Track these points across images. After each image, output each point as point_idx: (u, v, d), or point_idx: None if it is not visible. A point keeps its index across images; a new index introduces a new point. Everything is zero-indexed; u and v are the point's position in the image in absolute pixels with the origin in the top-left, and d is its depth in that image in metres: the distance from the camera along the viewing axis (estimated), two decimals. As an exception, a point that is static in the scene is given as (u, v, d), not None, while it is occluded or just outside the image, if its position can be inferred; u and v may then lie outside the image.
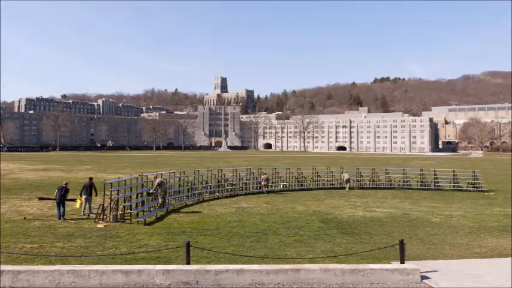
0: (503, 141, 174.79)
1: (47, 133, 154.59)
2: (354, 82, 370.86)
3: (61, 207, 18.25)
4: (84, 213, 19.28)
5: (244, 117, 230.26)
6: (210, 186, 27.25)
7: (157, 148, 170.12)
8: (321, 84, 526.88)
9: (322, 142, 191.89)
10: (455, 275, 10.71)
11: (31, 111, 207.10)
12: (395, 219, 19.43)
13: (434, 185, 32.83)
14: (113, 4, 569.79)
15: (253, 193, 28.65)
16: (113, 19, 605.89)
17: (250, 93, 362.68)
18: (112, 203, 18.26)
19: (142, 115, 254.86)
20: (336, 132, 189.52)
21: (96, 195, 20.07)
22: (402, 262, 10.70)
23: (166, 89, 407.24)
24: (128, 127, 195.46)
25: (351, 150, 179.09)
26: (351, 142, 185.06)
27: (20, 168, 52.01)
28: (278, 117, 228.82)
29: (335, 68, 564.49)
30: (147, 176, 23.33)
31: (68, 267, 9.58)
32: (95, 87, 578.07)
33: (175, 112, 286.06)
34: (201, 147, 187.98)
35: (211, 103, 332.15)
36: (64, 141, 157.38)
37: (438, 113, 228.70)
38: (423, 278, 10.19)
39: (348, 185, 31.86)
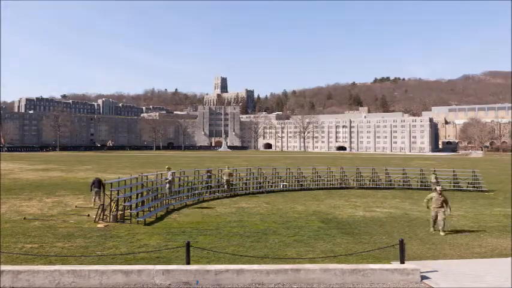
0: (503, 141, 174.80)
1: (47, 133, 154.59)
2: (354, 82, 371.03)
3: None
4: (94, 205, 21.28)
5: (244, 117, 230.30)
6: (210, 186, 27.25)
7: (157, 148, 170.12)
8: (321, 84, 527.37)
9: (322, 142, 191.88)
10: (455, 275, 10.71)
11: (31, 111, 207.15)
12: (395, 219, 19.43)
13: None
14: (113, 4, 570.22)
15: (253, 193, 28.65)
16: (113, 19, 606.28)
17: (250, 93, 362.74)
18: (112, 203, 18.27)
19: (142, 115, 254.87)
20: (336, 132, 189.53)
21: (103, 191, 21.78)
22: (402, 262, 10.70)
23: (166, 89, 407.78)
24: (128, 127, 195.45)
25: (351, 150, 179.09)
26: (351, 142, 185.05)
27: (20, 168, 52.01)
28: (278, 117, 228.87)
29: (335, 68, 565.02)
30: (147, 176, 23.31)
31: (68, 267, 9.58)
32: (95, 87, 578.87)
33: (175, 112, 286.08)
34: (201, 147, 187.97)
35: (211, 103, 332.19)
36: (64, 141, 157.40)
37: (438, 113, 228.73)
38: (423, 278, 10.19)
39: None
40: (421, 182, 33.46)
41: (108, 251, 12.97)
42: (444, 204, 16.79)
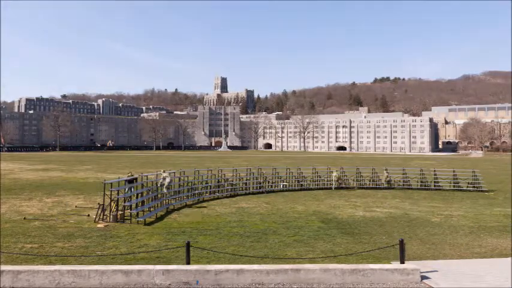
0: (503, 141, 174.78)
1: (47, 133, 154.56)
2: (354, 82, 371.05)
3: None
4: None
5: (244, 117, 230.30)
6: (210, 186, 27.25)
7: (157, 148, 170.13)
8: (321, 84, 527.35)
9: (322, 142, 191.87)
10: (455, 275, 10.71)
11: (31, 111, 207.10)
12: (395, 219, 19.43)
13: (434, 185, 32.83)
14: (113, 4, 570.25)
15: (253, 193, 28.65)
16: (113, 19, 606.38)
17: (250, 93, 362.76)
18: (112, 203, 18.27)
19: (142, 115, 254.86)
20: (336, 132, 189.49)
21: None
22: (402, 262, 10.70)
23: (166, 89, 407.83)
24: (128, 127, 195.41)
25: (351, 150, 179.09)
26: (351, 142, 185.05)
27: (20, 168, 52.01)
28: (278, 117, 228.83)
29: (335, 68, 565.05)
30: (147, 176, 23.31)
31: (68, 267, 9.58)
32: (95, 87, 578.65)
33: (175, 112, 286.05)
34: (201, 147, 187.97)
35: (211, 103, 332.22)
36: (64, 141, 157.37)
37: (438, 113, 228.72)
38: (423, 278, 10.19)
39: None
40: (421, 182, 33.46)
41: (108, 251, 12.97)
42: None
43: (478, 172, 34.30)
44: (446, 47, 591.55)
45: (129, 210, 18.63)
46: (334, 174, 32.87)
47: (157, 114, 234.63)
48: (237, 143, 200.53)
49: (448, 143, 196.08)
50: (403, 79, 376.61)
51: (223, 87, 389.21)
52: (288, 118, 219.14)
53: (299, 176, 33.24)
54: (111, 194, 18.47)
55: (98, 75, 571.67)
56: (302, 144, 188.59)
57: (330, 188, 32.00)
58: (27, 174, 42.80)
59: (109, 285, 9.30)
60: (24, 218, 18.18)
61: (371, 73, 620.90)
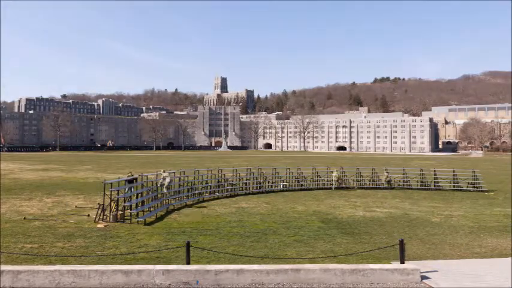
0: (503, 141, 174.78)
1: (47, 133, 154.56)
2: (354, 82, 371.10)
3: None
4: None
5: (244, 117, 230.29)
6: (210, 186, 27.25)
7: (157, 148, 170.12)
8: (321, 84, 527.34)
9: (322, 142, 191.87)
10: (455, 275, 10.71)
11: (31, 111, 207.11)
12: (395, 219, 19.43)
13: (434, 185, 32.83)
14: (113, 4, 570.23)
15: (253, 193, 28.65)
16: (113, 19, 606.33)
17: (250, 93, 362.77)
18: (112, 203, 18.27)
19: (142, 115, 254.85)
20: (336, 132, 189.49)
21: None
22: (402, 262, 10.70)
23: (166, 89, 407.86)
24: (128, 127, 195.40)
25: (351, 150, 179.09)
26: (351, 142, 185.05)
27: (20, 168, 52.02)
28: (278, 117, 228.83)
29: (335, 68, 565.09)
30: (147, 176, 23.30)
31: (68, 267, 9.58)
32: (95, 87, 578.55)
33: (175, 112, 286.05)
34: (201, 147, 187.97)
35: (211, 103, 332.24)
36: (64, 141, 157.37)
37: (438, 113, 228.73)
38: (423, 278, 10.19)
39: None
40: (421, 182, 33.45)
41: (108, 251, 12.97)
42: None
43: (478, 172, 34.31)
44: (446, 47, 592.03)
45: (129, 210, 18.63)
46: (334, 174, 32.88)
47: (157, 114, 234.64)
48: (237, 143, 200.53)
49: (448, 143, 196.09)
50: (403, 79, 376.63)
51: (223, 87, 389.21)
52: (288, 118, 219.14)
53: (299, 176, 33.24)
54: (111, 194, 18.47)
55: (98, 75, 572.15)
56: (302, 144, 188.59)
57: (330, 188, 32.00)
58: (27, 174, 42.80)
59: (109, 285, 9.30)
60: (24, 218, 18.18)
61: (371, 73, 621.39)
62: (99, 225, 16.82)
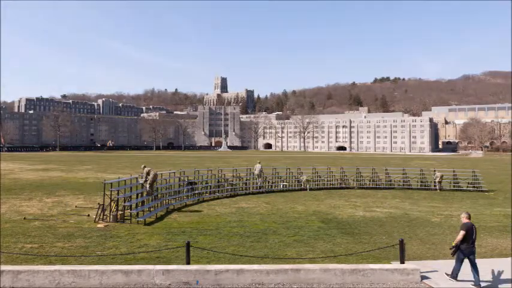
0: (503, 141, 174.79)
1: (47, 133, 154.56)
2: (354, 82, 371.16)
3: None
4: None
5: (244, 117, 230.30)
6: (210, 186, 27.25)
7: (157, 148, 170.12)
8: (321, 84, 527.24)
9: (322, 142, 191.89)
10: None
11: (31, 111, 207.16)
12: (395, 219, 19.43)
13: (434, 185, 32.82)
14: (113, 4, 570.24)
15: (253, 193, 28.65)
16: (113, 19, 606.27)
17: (250, 93, 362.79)
18: (112, 203, 18.26)
19: (142, 115, 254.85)
20: (336, 132, 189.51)
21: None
22: (402, 262, 10.70)
23: (166, 89, 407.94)
24: (128, 127, 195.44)
25: (351, 150, 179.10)
26: (351, 142, 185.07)
27: (20, 168, 52.02)
28: (278, 117, 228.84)
29: (335, 68, 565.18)
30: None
31: (68, 267, 9.58)
32: (95, 87, 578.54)
33: (175, 112, 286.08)
34: (201, 147, 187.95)
35: (211, 103, 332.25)
36: (64, 141, 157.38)
37: (438, 113, 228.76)
38: (423, 278, 10.20)
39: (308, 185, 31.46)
40: (421, 182, 33.46)
41: (108, 251, 12.97)
42: None
43: (478, 172, 34.31)
44: (446, 47, 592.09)
45: (129, 210, 18.63)
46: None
47: (157, 114, 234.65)
48: (237, 143, 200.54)
49: (448, 143, 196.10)
50: (403, 79, 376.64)
51: (223, 87, 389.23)
52: (288, 118, 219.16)
53: (299, 176, 33.23)
54: (111, 194, 18.47)
55: (98, 75, 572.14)
56: (302, 144, 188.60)
57: (331, 188, 32.01)
58: (27, 174, 42.80)
59: (109, 285, 9.30)
60: (24, 218, 18.18)
61: (371, 73, 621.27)
62: (99, 225, 16.82)
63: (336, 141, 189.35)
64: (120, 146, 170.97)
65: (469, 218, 10.68)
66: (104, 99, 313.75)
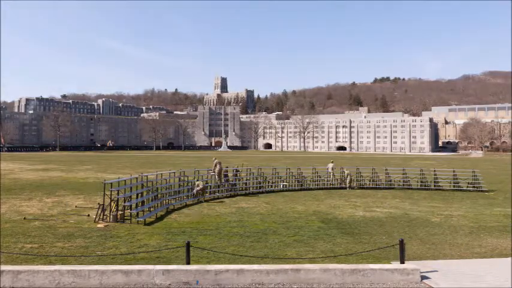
0: (503, 141, 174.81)
1: (47, 133, 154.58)
2: (354, 82, 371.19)
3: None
4: None
5: (244, 117, 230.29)
6: (210, 186, 27.25)
7: (157, 148, 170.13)
8: (321, 84, 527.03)
9: (322, 142, 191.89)
10: (455, 275, 10.71)
11: (31, 111, 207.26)
12: (395, 219, 19.43)
13: (434, 185, 32.83)
14: (113, 4, 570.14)
15: (253, 193, 28.66)
16: (113, 19, 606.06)
17: (250, 93, 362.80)
18: (112, 203, 18.26)
19: (142, 115, 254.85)
20: (336, 132, 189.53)
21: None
22: (402, 262, 10.70)
23: (166, 89, 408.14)
24: (128, 127, 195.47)
25: (351, 150, 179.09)
26: (351, 142, 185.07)
27: (20, 168, 52.01)
28: (278, 117, 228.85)
29: (335, 68, 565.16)
30: (147, 176, 23.28)
31: (68, 267, 9.58)
32: (95, 87, 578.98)
33: (175, 112, 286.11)
34: (201, 147, 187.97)
35: (211, 103, 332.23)
36: (64, 141, 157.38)
37: (438, 113, 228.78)
38: (423, 278, 10.19)
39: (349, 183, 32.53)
40: (421, 182, 33.45)
41: (108, 251, 12.97)
42: None
43: (478, 172, 34.30)
44: (446, 47, 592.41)
45: (129, 210, 18.63)
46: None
47: (157, 114, 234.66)
48: (237, 143, 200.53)
49: (448, 143, 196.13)
50: (403, 79, 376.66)
51: (223, 87, 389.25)
52: (288, 118, 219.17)
53: (299, 176, 33.24)
54: (111, 194, 18.46)
55: (98, 75, 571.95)
56: (302, 144, 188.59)
57: (331, 188, 32.05)
58: (27, 174, 42.80)
59: (109, 285, 9.30)
60: (24, 218, 18.18)
61: (371, 73, 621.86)
62: (99, 225, 16.82)
63: (336, 141, 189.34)
64: (120, 146, 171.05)
65: None
66: (104, 99, 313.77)
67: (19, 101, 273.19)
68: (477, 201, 26.15)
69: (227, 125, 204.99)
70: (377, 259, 12.15)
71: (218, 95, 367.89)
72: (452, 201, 26.44)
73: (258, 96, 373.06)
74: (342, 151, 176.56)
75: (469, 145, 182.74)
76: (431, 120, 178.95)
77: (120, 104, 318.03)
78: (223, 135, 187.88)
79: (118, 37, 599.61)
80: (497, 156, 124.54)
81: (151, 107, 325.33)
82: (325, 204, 24.18)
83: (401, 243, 10.78)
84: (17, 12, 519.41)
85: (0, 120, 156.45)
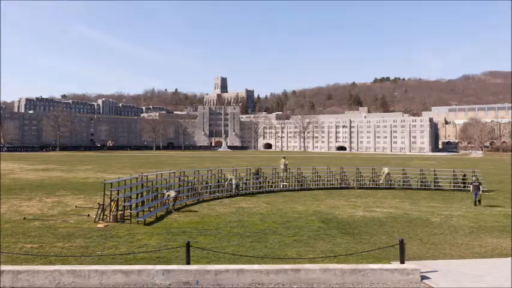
0: (503, 141, 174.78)
1: (47, 133, 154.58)
2: (354, 82, 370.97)
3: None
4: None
5: (244, 117, 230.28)
6: (210, 186, 27.26)
7: (157, 148, 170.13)
8: (321, 84, 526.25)
9: (322, 142, 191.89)
10: (455, 275, 10.72)
11: (31, 111, 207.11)
12: (395, 219, 19.43)
13: (434, 185, 32.83)
14: (113, 4, 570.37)
15: (253, 193, 28.66)
16: (113, 19, 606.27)
17: (250, 93, 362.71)
18: (112, 203, 18.26)
19: (142, 115, 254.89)
20: (336, 132, 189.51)
21: None
22: (402, 262, 10.70)
23: (166, 89, 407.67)
24: (128, 127, 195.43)
25: (351, 150, 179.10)
26: (351, 142, 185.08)
27: (20, 168, 52.02)
28: (278, 117, 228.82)
29: (335, 68, 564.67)
30: (147, 176, 23.29)
31: (68, 267, 9.58)
32: (95, 87, 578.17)
33: (175, 112, 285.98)
34: (201, 147, 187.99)
35: (211, 103, 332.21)
36: (64, 141, 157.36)
37: (438, 113, 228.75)
38: (423, 278, 10.19)
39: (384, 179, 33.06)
40: (421, 182, 33.45)
41: (108, 251, 12.97)
42: None
43: (478, 172, 34.30)
44: (446, 47, 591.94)
45: (129, 210, 18.63)
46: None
47: (157, 114, 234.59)
48: (237, 143, 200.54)
49: (448, 143, 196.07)
50: (403, 79, 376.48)
51: (223, 87, 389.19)
52: (288, 118, 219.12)
53: (299, 176, 33.24)
54: (111, 194, 18.47)
55: (98, 75, 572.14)
56: (302, 144, 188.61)
57: (331, 188, 32.02)
58: (27, 174, 42.81)
59: (109, 285, 9.30)
60: (24, 218, 18.19)
61: (371, 73, 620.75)
62: (99, 225, 16.83)
63: (336, 141, 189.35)
64: (120, 146, 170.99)
65: None
66: (104, 99, 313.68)
67: (19, 101, 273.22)
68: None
69: (227, 125, 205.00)
70: (377, 259, 12.16)
71: (218, 95, 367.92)
72: (452, 201, 26.44)
73: (258, 96, 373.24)
74: (342, 151, 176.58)
75: (469, 145, 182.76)
76: (431, 120, 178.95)
77: (120, 104, 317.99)
78: (223, 135, 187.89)
79: (118, 37, 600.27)
80: (497, 156, 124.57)
81: (151, 107, 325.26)
82: (325, 204, 24.18)
83: (401, 243, 10.78)
84: (17, 12, 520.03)
85: (0, 120, 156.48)
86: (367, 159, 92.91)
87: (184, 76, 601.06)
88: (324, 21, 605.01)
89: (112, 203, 18.28)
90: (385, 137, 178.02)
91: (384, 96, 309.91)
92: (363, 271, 9.92)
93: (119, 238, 14.71)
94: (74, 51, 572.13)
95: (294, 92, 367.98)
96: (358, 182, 33.61)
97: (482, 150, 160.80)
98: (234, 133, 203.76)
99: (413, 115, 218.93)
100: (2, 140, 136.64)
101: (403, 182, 33.74)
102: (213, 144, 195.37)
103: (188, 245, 10.49)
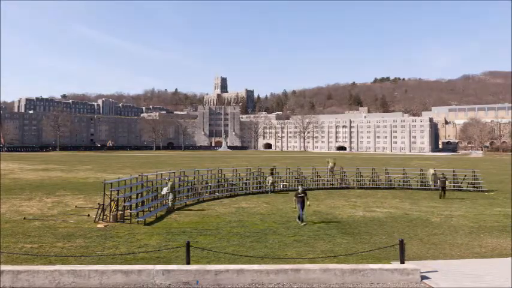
0: (503, 141, 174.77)
1: (47, 133, 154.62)
2: (354, 82, 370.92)
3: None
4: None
5: (244, 117, 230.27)
6: (210, 186, 27.26)
7: (157, 148, 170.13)
8: (321, 84, 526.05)
9: (322, 142, 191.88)
10: (455, 275, 10.71)
11: (31, 111, 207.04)
12: (395, 219, 19.43)
13: (434, 185, 32.81)
14: (113, 4, 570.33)
15: (253, 193, 28.66)
16: (114, 19, 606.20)
17: (250, 93, 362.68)
18: (112, 203, 18.26)
19: (142, 115, 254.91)
20: (336, 132, 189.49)
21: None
22: (402, 262, 10.70)
23: (166, 89, 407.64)
24: (128, 127, 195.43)
25: (351, 150, 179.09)
26: (351, 142, 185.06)
27: (20, 168, 52.02)
28: (278, 117, 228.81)
29: (335, 68, 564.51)
30: (147, 176, 23.29)
31: (68, 267, 9.58)
32: (95, 87, 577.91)
33: (175, 112, 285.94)
34: (201, 147, 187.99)
35: (211, 103, 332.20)
36: (64, 141, 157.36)
37: (438, 113, 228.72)
38: (423, 278, 10.19)
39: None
40: (421, 182, 33.45)
41: (108, 251, 12.97)
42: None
43: (478, 172, 34.31)
44: (446, 47, 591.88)
45: (129, 210, 18.63)
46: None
47: (157, 114, 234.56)
48: (237, 143, 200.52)
49: (448, 143, 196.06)
50: (403, 79, 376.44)
51: (223, 87, 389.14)
52: (288, 118, 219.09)
53: (299, 176, 33.23)
54: (111, 194, 18.47)
55: (97, 75, 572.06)
56: (302, 144, 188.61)
57: (331, 188, 32.01)
58: (27, 174, 42.81)
59: (109, 285, 9.30)
60: (24, 218, 18.19)
61: (371, 73, 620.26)
62: (99, 225, 16.83)
63: (336, 141, 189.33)
64: (120, 146, 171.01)
65: None
66: (104, 99, 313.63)
67: (19, 101, 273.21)
68: (477, 201, 26.16)
69: (227, 125, 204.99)
70: (377, 259, 12.15)
71: (218, 95, 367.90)
72: (452, 201, 26.44)
73: (258, 96, 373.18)
74: (342, 151, 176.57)
75: (469, 145, 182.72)
76: (431, 120, 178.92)
77: (120, 104, 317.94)
78: (223, 135, 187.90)
79: (118, 37, 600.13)
80: (497, 156, 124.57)
81: (151, 107, 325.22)
82: (325, 204, 24.18)
83: (401, 243, 10.78)
84: (17, 12, 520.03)
85: (0, 120, 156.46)
86: (367, 159, 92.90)
87: (184, 76, 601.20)
88: (324, 21, 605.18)
89: (112, 203, 18.28)
90: (385, 137, 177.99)
91: (383, 96, 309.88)
92: (363, 271, 9.92)
93: (119, 238, 14.71)
94: (74, 51, 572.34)
95: (294, 92, 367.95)
96: (358, 182, 33.61)
97: (482, 150, 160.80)
98: (234, 133, 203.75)
99: (413, 115, 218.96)
100: (2, 140, 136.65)
101: (403, 182, 33.74)
102: (213, 144, 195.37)
103: (188, 245, 10.49)
